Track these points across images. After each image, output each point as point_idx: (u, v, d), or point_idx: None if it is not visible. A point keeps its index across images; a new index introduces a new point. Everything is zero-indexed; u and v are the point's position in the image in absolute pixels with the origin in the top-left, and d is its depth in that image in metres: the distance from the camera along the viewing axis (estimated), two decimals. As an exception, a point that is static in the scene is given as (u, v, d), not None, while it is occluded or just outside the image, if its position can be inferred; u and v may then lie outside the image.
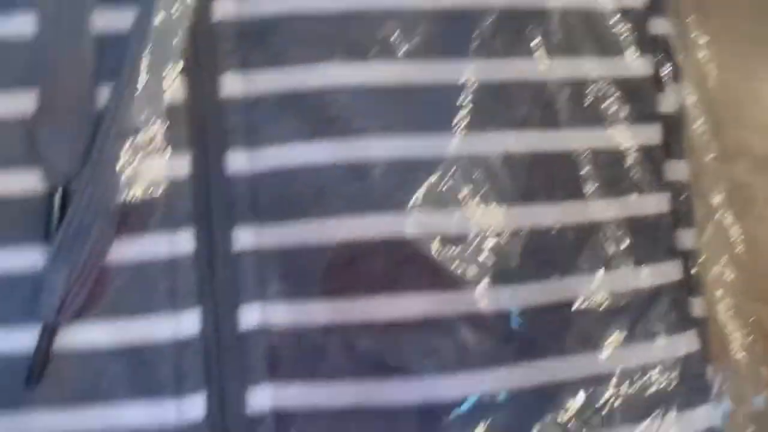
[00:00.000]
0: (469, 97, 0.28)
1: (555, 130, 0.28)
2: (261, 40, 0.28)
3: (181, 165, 0.27)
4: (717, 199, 0.32)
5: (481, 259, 0.27)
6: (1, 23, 0.27)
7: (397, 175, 0.27)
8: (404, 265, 0.26)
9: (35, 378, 0.25)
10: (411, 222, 0.26)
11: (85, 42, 0.27)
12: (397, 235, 0.26)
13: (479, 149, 0.27)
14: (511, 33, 0.28)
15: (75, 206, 0.26)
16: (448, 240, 0.27)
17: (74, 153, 0.26)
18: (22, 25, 0.27)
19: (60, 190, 0.26)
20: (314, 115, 0.27)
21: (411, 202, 0.27)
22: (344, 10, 0.28)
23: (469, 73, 0.28)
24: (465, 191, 0.27)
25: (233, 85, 0.27)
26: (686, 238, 0.31)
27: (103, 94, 0.26)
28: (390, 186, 0.26)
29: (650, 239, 0.29)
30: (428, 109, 0.27)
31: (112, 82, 0.26)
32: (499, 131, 0.28)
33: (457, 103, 0.27)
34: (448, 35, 0.28)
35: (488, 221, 0.27)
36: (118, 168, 0.26)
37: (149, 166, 0.27)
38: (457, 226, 0.27)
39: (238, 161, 0.27)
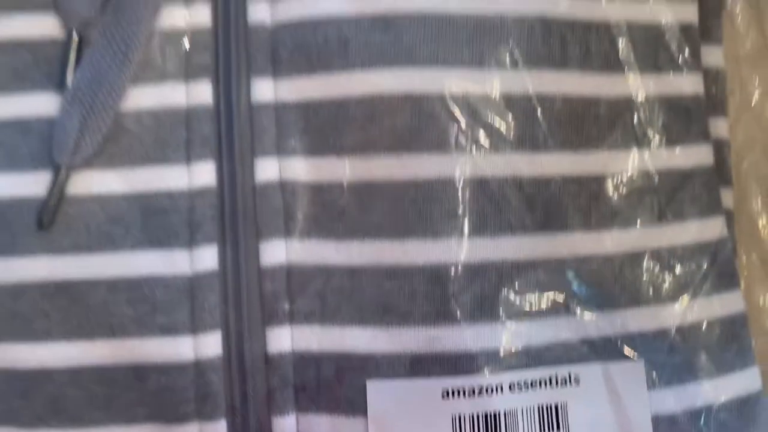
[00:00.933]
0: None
1: None
2: None
3: (202, 14, 0.26)
4: (754, 91, 0.31)
5: (509, 122, 0.26)
6: None
7: (426, 30, 0.25)
8: (429, 122, 0.25)
9: (47, 221, 0.25)
10: (438, 79, 0.25)
11: None
12: (423, 91, 0.25)
13: (515, 9, 0.26)
14: None
15: (91, 53, 0.25)
16: (475, 100, 0.26)
17: (93, -2, 0.26)
18: None
19: (77, 35, 0.26)
20: (340, -34, 0.26)
21: (439, 58, 0.25)
22: None
23: None
24: (497, 51, 0.26)
25: (258, -65, 0.26)
26: (719, 126, 0.30)
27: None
28: (417, 41, 0.25)
29: (684, 119, 0.28)
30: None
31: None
32: (536, -6, 0.27)
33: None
34: None
35: (520, 84, 0.26)
36: (137, 15, 0.25)
37: (170, 14, 0.26)
38: (487, 87, 0.26)
39: (260, 11, 0.26)
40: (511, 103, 0.26)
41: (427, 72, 0.25)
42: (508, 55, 0.26)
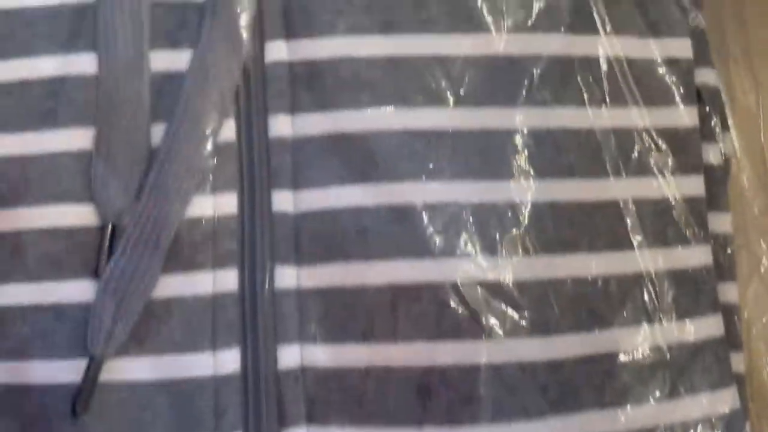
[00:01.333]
0: (516, 145, 0.28)
1: (600, 179, 0.28)
2: (310, 83, 0.28)
3: (229, 203, 0.27)
4: (763, 253, 0.31)
5: (522, 308, 0.27)
6: (64, 62, 0.28)
7: (440, 220, 0.27)
8: (444, 311, 0.26)
9: (81, 409, 0.26)
10: (452, 268, 0.27)
11: (142, 81, 0.28)
12: (438, 281, 0.26)
13: (525, 196, 0.27)
14: (560, 81, 0.29)
15: (124, 242, 0.27)
16: (488, 288, 0.27)
17: (127, 189, 0.27)
18: (83, 64, 0.28)
19: (110, 225, 0.27)
20: (359, 158, 0.27)
21: (453, 248, 0.27)
22: (393, 55, 0.28)
23: (517, 120, 0.28)
24: (508, 239, 0.27)
25: (282, 126, 0.28)
26: (729, 292, 0.30)
27: (158, 132, 0.27)
28: (432, 231, 0.27)
29: (694, 292, 0.29)
30: (474, 155, 0.28)
31: (167, 121, 0.27)
32: (545, 179, 0.28)
33: (504, 151, 0.28)
34: (497, 82, 0.28)
35: (531, 270, 0.27)
36: (168, 205, 0.27)
37: (198, 203, 0.27)
38: (500, 275, 0.27)
39: (283, 201, 0.27)
40: (523, 289, 0.27)
41: (442, 262, 0.27)
42: (519, 242, 0.27)
